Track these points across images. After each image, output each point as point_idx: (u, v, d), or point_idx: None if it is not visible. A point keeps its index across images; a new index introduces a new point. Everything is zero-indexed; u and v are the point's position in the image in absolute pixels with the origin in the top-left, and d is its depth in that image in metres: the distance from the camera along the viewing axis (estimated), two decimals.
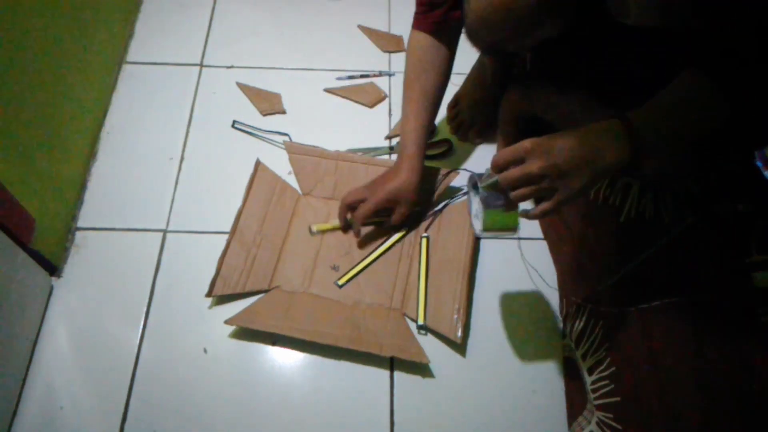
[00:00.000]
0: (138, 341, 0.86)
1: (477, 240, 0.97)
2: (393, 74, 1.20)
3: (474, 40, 0.69)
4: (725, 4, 0.55)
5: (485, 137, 1.10)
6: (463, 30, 0.70)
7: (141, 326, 0.88)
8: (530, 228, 0.99)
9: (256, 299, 0.90)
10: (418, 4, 0.88)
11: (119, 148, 1.06)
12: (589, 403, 0.79)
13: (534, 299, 0.93)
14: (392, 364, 0.86)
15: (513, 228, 0.71)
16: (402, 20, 1.28)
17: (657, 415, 0.71)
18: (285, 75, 1.19)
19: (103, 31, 1.11)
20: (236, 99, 1.14)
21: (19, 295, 0.80)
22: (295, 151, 1.06)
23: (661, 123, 0.61)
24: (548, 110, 0.89)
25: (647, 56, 0.72)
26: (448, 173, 1.04)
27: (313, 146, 1.06)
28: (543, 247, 0.98)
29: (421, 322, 0.88)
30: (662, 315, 0.76)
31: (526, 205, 0.67)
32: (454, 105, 1.11)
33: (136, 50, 1.20)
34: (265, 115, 1.12)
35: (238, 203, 0.97)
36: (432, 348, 0.87)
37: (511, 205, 0.69)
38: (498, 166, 0.64)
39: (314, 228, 0.96)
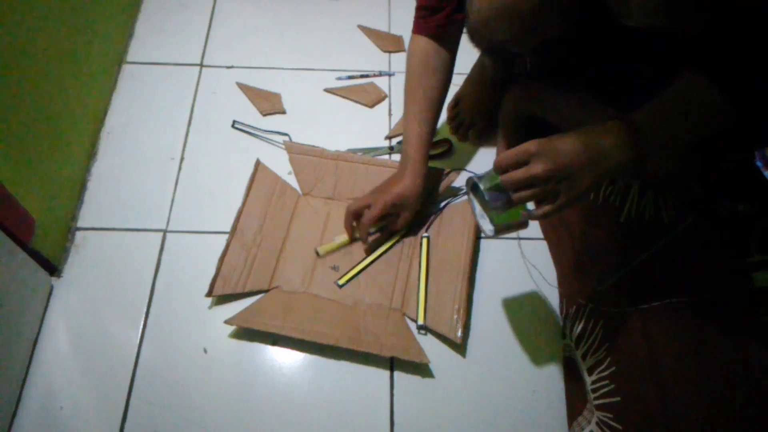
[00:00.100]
0: (138, 341, 0.86)
1: (477, 240, 0.97)
2: (393, 74, 1.20)
3: (476, 40, 0.69)
4: (725, 5, 0.55)
5: (485, 137, 1.10)
6: (465, 30, 0.70)
7: (141, 326, 0.88)
8: (530, 228, 0.99)
9: (255, 299, 0.90)
10: (418, 8, 0.88)
11: (119, 148, 1.06)
12: (589, 403, 0.79)
13: (534, 299, 0.93)
14: (392, 364, 0.86)
15: (523, 222, 0.71)
16: (402, 20, 1.29)
17: (657, 415, 0.71)
18: (285, 75, 1.19)
19: (103, 31, 1.11)
20: (236, 99, 1.14)
21: (19, 295, 0.80)
22: (296, 151, 1.06)
23: (664, 125, 0.61)
24: (548, 110, 0.89)
25: (647, 56, 0.72)
26: (449, 173, 1.04)
27: (314, 146, 1.06)
28: (543, 246, 0.98)
29: (421, 322, 0.88)
30: (662, 315, 0.76)
31: (527, 206, 0.68)
32: (454, 105, 1.11)
33: (136, 50, 1.20)
34: (265, 115, 1.12)
35: (238, 203, 0.97)
36: (432, 348, 0.87)
37: (513, 206, 0.69)
38: (501, 168, 0.64)
39: (321, 251, 0.94)
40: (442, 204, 1.01)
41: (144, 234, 0.96)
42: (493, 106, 1.04)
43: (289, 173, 1.04)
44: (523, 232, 0.95)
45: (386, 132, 1.12)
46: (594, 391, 0.78)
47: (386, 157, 1.08)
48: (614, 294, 0.81)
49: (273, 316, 0.86)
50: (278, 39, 1.24)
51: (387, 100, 1.16)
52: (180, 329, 0.88)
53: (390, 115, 1.14)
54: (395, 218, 0.93)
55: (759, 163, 0.95)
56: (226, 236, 0.93)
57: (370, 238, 0.94)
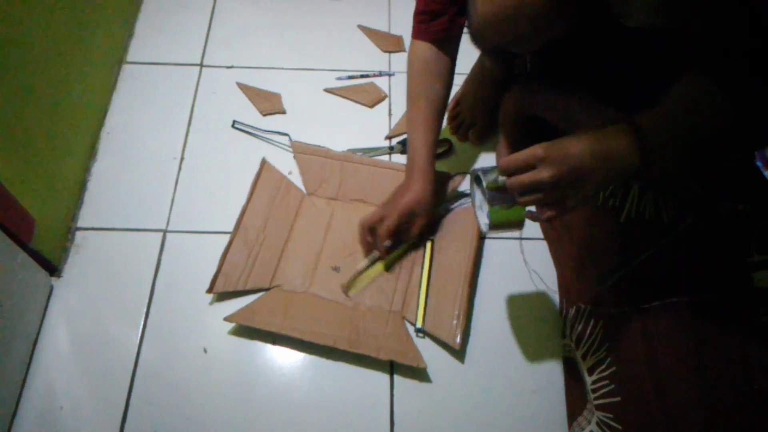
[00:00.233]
0: (138, 341, 0.86)
1: (480, 245, 0.97)
2: (393, 74, 1.20)
3: (479, 42, 0.69)
4: (725, 5, 0.55)
5: (486, 137, 1.10)
6: (467, 32, 0.70)
7: (141, 326, 0.88)
8: (531, 228, 0.99)
9: (256, 297, 0.90)
10: (418, 14, 0.87)
11: (119, 148, 1.06)
12: (589, 404, 0.79)
13: (534, 299, 0.93)
14: (392, 366, 0.86)
15: (519, 223, 0.71)
16: (402, 20, 1.28)
17: (657, 416, 0.71)
18: (285, 75, 1.19)
19: (103, 31, 1.11)
20: (236, 99, 1.14)
21: (19, 295, 0.80)
22: (301, 151, 1.06)
23: (669, 127, 0.61)
24: (549, 110, 0.89)
25: (647, 56, 0.72)
26: (454, 176, 1.03)
27: (320, 146, 1.06)
28: (543, 246, 0.98)
29: (419, 325, 0.88)
30: (662, 315, 0.76)
31: (530, 207, 0.67)
32: (454, 105, 1.11)
33: (136, 50, 1.20)
34: (265, 115, 1.12)
35: (238, 203, 0.97)
36: (433, 348, 0.87)
37: (516, 206, 0.69)
38: (508, 172, 0.63)
39: (350, 290, 0.91)
40: (453, 206, 1.00)
41: (144, 234, 0.96)
42: (493, 106, 1.04)
43: (290, 173, 1.04)
44: (523, 232, 0.96)
45: (386, 132, 1.12)
46: (594, 391, 0.78)
47: (386, 157, 1.08)
48: (614, 294, 0.81)
49: (273, 315, 0.86)
50: (278, 39, 1.24)
51: (387, 100, 1.16)
52: (180, 329, 0.88)
53: (390, 115, 1.14)
54: (409, 227, 0.92)
55: (759, 163, 0.95)
56: (226, 236, 0.93)
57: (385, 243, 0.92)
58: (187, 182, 1.03)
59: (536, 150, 0.60)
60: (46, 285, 0.89)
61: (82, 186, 1.01)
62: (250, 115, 1.12)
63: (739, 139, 0.74)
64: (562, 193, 0.61)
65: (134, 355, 0.85)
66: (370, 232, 0.91)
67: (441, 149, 1.09)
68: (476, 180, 0.72)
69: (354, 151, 1.07)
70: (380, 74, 1.20)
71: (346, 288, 0.91)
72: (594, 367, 0.79)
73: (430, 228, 0.97)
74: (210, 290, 0.88)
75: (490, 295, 0.93)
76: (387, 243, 0.90)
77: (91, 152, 1.05)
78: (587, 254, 0.88)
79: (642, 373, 0.74)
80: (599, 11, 0.59)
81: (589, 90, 0.84)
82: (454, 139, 1.11)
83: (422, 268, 0.93)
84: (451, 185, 1.03)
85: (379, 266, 0.93)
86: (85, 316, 0.88)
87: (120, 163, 1.04)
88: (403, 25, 1.28)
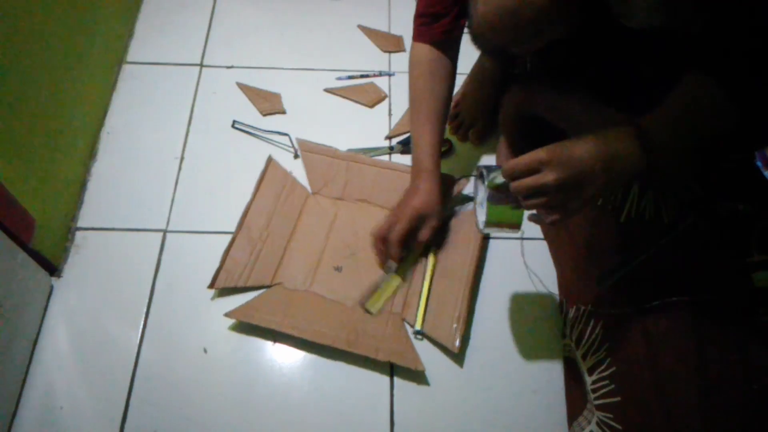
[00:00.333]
0: (138, 341, 0.86)
1: (483, 249, 0.97)
2: (393, 74, 1.20)
3: (480, 43, 0.69)
4: (725, 6, 0.55)
5: (486, 137, 1.10)
6: (466, 31, 0.70)
7: (141, 326, 0.88)
8: (531, 228, 0.99)
9: (256, 294, 0.90)
10: (420, 16, 0.87)
11: (119, 148, 1.06)
12: (589, 404, 0.79)
13: (534, 298, 0.93)
14: (392, 367, 0.86)
15: (516, 225, 0.71)
16: (402, 20, 1.28)
17: (657, 415, 0.71)
18: (285, 75, 1.19)
19: (103, 31, 1.11)
20: (236, 99, 1.14)
21: (19, 295, 0.80)
22: (308, 149, 1.06)
23: (671, 129, 0.61)
24: (549, 110, 0.89)
25: (647, 56, 0.72)
26: (458, 179, 1.03)
27: (327, 146, 1.06)
28: (543, 246, 0.98)
29: (418, 327, 0.87)
30: (662, 315, 0.76)
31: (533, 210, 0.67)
32: (454, 105, 1.11)
33: (136, 50, 1.20)
34: (265, 115, 1.12)
35: (239, 203, 0.97)
36: (433, 348, 0.87)
37: (519, 208, 0.69)
38: (512, 175, 0.63)
39: (372, 308, 0.89)
40: (455, 210, 1.00)
41: (144, 234, 0.96)
42: (493, 106, 1.04)
43: (290, 172, 1.04)
44: (525, 232, 0.96)
45: (386, 132, 1.12)
46: (594, 391, 0.78)
47: (386, 157, 1.08)
48: (614, 294, 0.81)
49: (273, 313, 0.86)
50: (278, 39, 1.24)
51: (387, 100, 1.16)
52: (180, 329, 0.88)
53: (390, 115, 1.14)
54: (421, 230, 0.90)
55: (759, 163, 0.95)
56: (226, 236, 0.93)
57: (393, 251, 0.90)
58: (187, 182, 1.03)
59: (540, 154, 0.60)
60: (46, 285, 0.89)
61: (82, 186, 1.01)
62: (250, 115, 1.12)
63: (739, 139, 0.74)
64: (565, 196, 0.61)
65: (134, 355, 0.85)
66: (382, 240, 0.90)
67: (441, 149, 1.09)
68: (480, 176, 0.72)
69: (354, 151, 1.07)
70: (380, 74, 1.20)
71: (365, 304, 0.89)
72: (594, 367, 0.79)
73: (441, 232, 0.96)
74: (211, 285, 0.88)
75: (490, 294, 0.93)
76: (400, 250, 0.89)
77: (91, 152, 1.05)
78: (587, 254, 0.88)
79: (642, 373, 0.74)
80: (599, 12, 0.59)
81: (589, 90, 0.83)
82: (454, 139, 1.11)
83: (425, 271, 0.93)
84: (455, 188, 1.03)
85: (396, 278, 0.92)
86: (85, 316, 0.88)
87: (120, 163, 1.04)
88: (403, 25, 1.28)
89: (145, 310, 0.89)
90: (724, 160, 0.80)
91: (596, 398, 0.77)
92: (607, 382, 0.77)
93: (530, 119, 0.92)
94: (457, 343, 0.84)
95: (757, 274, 0.76)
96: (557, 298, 0.92)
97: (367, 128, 1.12)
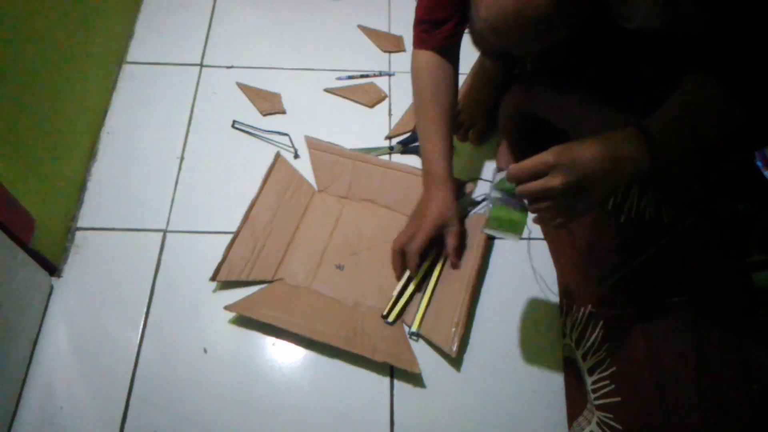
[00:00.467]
0: (138, 341, 0.86)
1: (487, 251, 0.96)
2: (393, 74, 1.20)
3: (481, 45, 0.69)
4: (725, 6, 0.55)
5: (486, 137, 1.10)
6: (466, 32, 0.70)
7: (141, 326, 0.88)
8: (537, 228, 0.99)
9: (257, 290, 0.90)
10: (420, 23, 0.86)
11: (119, 148, 1.06)
12: (590, 404, 0.79)
13: (534, 299, 0.93)
14: (392, 366, 0.86)
15: (517, 227, 0.71)
16: (402, 20, 1.28)
17: (657, 416, 0.71)
18: (285, 75, 1.19)
19: (103, 31, 1.11)
20: (236, 99, 1.14)
21: (19, 295, 0.80)
22: (316, 147, 1.06)
23: (674, 131, 0.61)
24: (549, 110, 0.89)
25: (648, 56, 0.72)
26: (466, 183, 1.03)
27: (335, 144, 1.06)
28: (543, 246, 0.98)
29: (414, 329, 0.87)
30: (662, 315, 0.76)
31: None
32: None
33: (136, 50, 1.20)
34: (265, 115, 1.12)
35: (239, 203, 0.97)
36: (433, 348, 0.87)
37: (523, 211, 0.69)
38: (518, 178, 0.63)
39: (392, 320, 0.88)
40: (463, 213, 0.99)
41: (144, 234, 0.96)
42: (493, 106, 1.04)
43: None
44: (526, 233, 0.96)
45: (386, 132, 1.12)
46: (594, 391, 0.78)
47: (386, 157, 1.08)
48: (614, 294, 0.81)
49: (272, 308, 0.86)
50: (278, 39, 1.24)
51: (387, 100, 1.16)
52: (180, 329, 0.88)
53: (390, 115, 1.14)
54: (442, 240, 0.90)
55: (759, 163, 0.95)
56: (227, 236, 0.93)
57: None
58: (187, 182, 1.03)
59: (546, 157, 0.60)
60: (46, 285, 0.89)
61: (82, 186, 1.01)
62: (250, 115, 1.12)
63: (740, 138, 0.75)
64: (572, 200, 0.61)
65: (134, 355, 0.85)
66: (401, 252, 0.89)
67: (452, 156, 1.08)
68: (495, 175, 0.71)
69: (354, 151, 1.07)
70: (380, 74, 1.20)
71: (387, 316, 0.88)
72: (594, 367, 0.79)
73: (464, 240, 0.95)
74: (213, 278, 0.88)
75: (492, 294, 0.93)
76: (419, 262, 0.89)
77: (91, 152, 1.05)
78: (587, 254, 0.88)
79: (642, 373, 0.74)
80: (600, 14, 0.59)
81: (589, 90, 0.84)
82: (454, 139, 1.11)
83: (432, 273, 0.92)
84: (466, 189, 1.02)
85: (412, 287, 0.91)
86: (85, 315, 0.88)
87: (120, 163, 1.04)
88: (403, 25, 1.28)
89: (145, 310, 0.89)
90: (724, 160, 0.80)
91: (596, 398, 0.77)
92: (607, 382, 0.77)
93: (530, 119, 0.92)
94: (455, 348, 0.84)
95: (757, 274, 0.76)
96: (557, 297, 0.92)
97: (367, 128, 1.12)
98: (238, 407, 0.82)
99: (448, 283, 0.91)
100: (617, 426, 0.73)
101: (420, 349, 0.87)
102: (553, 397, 0.85)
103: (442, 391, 0.85)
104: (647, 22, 0.56)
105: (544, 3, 0.58)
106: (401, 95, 1.15)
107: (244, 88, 1.16)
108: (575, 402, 0.82)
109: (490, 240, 0.97)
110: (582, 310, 0.84)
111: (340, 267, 0.93)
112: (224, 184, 1.02)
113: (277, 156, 1.03)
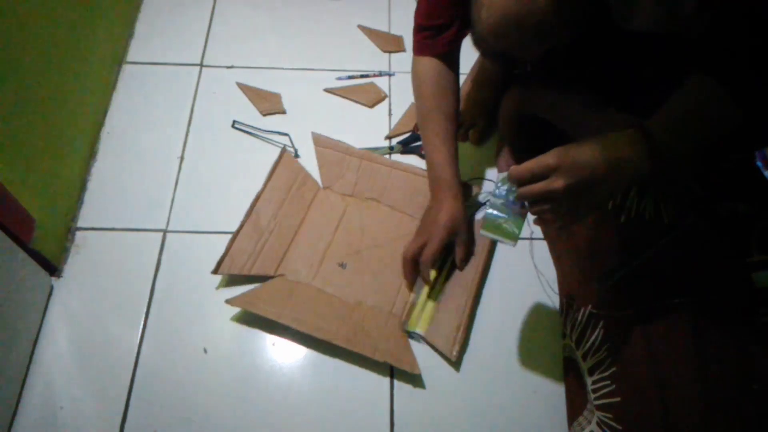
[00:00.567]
0: (138, 341, 0.86)
1: (489, 257, 0.96)
2: (393, 74, 1.20)
3: (483, 48, 0.69)
4: (726, 6, 0.55)
5: (486, 138, 1.10)
6: (470, 36, 0.70)
7: (141, 326, 0.88)
8: (535, 229, 0.99)
9: (258, 285, 0.90)
10: (420, 29, 0.86)
11: (119, 148, 1.06)
12: (590, 404, 0.79)
13: (534, 299, 0.93)
14: (392, 366, 0.86)
15: (513, 239, 0.70)
16: (402, 20, 1.28)
17: (657, 415, 0.71)
18: (285, 75, 1.19)
19: (103, 31, 1.10)
20: (236, 99, 1.14)
21: (19, 295, 0.80)
22: (322, 144, 1.06)
23: (675, 131, 0.61)
24: (549, 110, 0.89)
25: (648, 57, 0.72)
26: (471, 186, 1.03)
27: (341, 142, 1.06)
28: (543, 246, 0.98)
29: (412, 329, 0.87)
30: (662, 315, 0.76)
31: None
32: None
33: (136, 50, 1.20)
34: (265, 115, 1.12)
35: (239, 203, 0.97)
36: (432, 348, 0.87)
37: (523, 213, 0.69)
38: (519, 181, 0.63)
39: (408, 326, 0.87)
40: (474, 214, 0.99)
41: (144, 234, 0.96)
42: (493, 106, 1.04)
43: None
44: (525, 232, 0.96)
45: (386, 132, 1.12)
46: (594, 391, 0.78)
47: (386, 157, 1.08)
48: (614, 294, 0.81)
49: (274, 304, 0.86)
50: (278, 39, 1.24)
51: (387, 100, 1.16)
52: (180, 329, 0.88)
53: (390, 115, 1.14)
54: (456, 250, 0.90)
55: (759, 163, 0.95)
56: (227, 236, 0.93)
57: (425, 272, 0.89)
58: (187, 182, 1.03)
59: (548, 159, 0.60)
60: (46, 285, 0.89)
61: (82, 186, 1.01)
62: (250, 115, 1.12)
63: (740, 138, 0.75)
64: (573, 202, 0.61)
65: (134, 354, 0.85)
66: (414, 262, 0.89)
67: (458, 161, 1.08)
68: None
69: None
70: (380, 74, 1.20)
71: (404, 325, 0.88)
72: (594, 367, 0.79)
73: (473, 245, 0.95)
74: (215, 271, 0.88)
75: (491, 294, 0.93)
76: (432, 271, 0.89)
77: (91, 152, 1.05)
78: (587, 254, 0.88)
79: (642, 373, 0.74)
80: (601, 15, 0.59)
81: (589, 90, 0.84)
82: None
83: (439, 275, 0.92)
84: (471, 195, 1.02)
85: (424, 294, 0.90)
86: (85, 315, 0.88)
87: (120, 163, 1.04)
88: (403, 25, 1.28)
89: (145, 310, 0.89)
90: (724, 160, 0.80)
91: (596, 398, 0.77)
92: (607, 382, 0.77)
93: (530, 119, 0.92)
94: (455, 351, 0.84)
95: (757, 274, 0.76)
96: (557, 297, 0.92)
97: (368, 128, 1.12)
98: (239, 407, 0.82)
99: (452, 287, 0.91)
100: (617, 426, 0.73)
101: (420, 349, 0.87)
102: (553, 397, 0.85)
103: (442, 391, 0.85)
104: (647, 24, 0.56)
105: (545, 8, 0.58)
106: (401, 95, 1.15)
107: (244, 88, 1.16)
108: (575, 402, 0.82)
109: (493, 245, 0.97)
110: (582, 310, 0.84)
111: (342, 265, 0.93)
112: (224, 184, 1.02)
113: (283, 151, 1.03)
